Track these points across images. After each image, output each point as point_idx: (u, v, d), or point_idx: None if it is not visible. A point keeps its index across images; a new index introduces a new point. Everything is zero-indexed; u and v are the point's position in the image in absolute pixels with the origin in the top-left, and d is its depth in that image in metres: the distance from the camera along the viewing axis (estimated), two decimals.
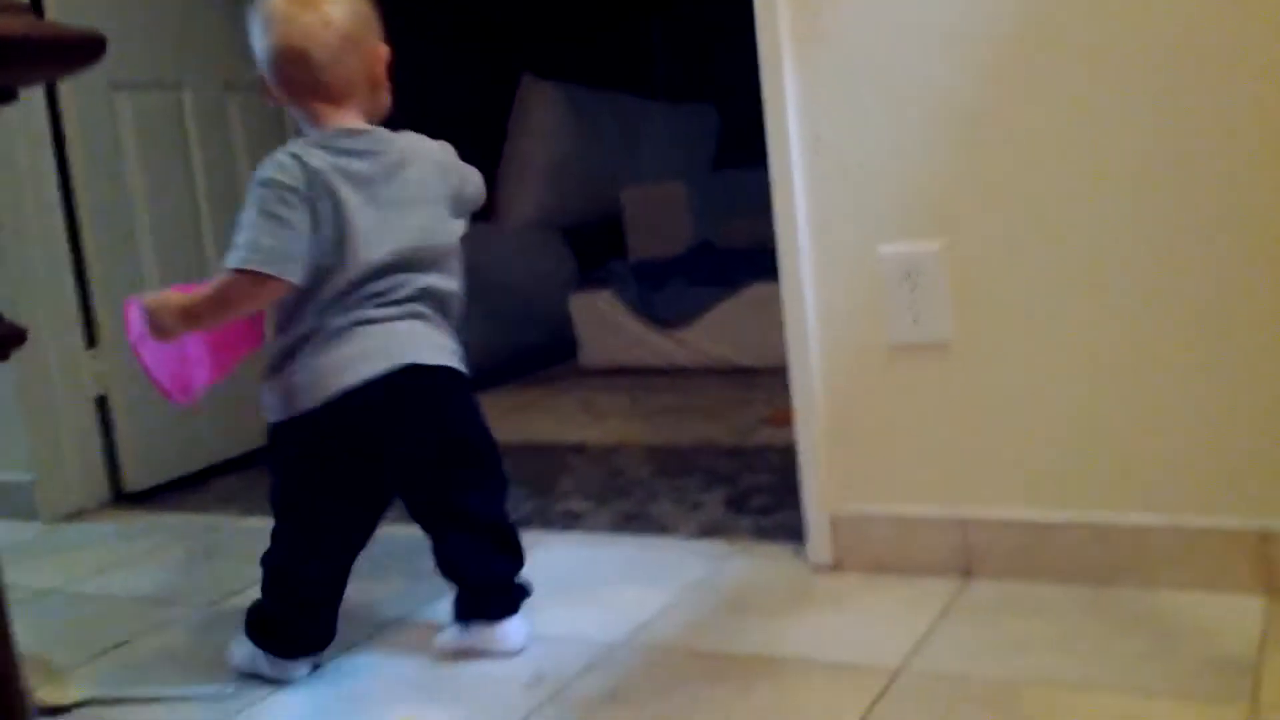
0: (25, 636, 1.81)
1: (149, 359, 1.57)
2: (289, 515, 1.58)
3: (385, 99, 1.64)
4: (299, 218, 1.47)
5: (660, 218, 4.06)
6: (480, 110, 4.20)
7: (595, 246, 4.16)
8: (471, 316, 3.56)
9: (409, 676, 1.58)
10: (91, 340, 2.62)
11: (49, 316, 2.55)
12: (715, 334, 3.43)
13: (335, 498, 1.55)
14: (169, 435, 2.71)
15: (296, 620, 1.59)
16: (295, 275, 1.47)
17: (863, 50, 1.65)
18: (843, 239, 1.71)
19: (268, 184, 1.48)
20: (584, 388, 3.45)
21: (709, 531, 2.03)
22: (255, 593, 1.92)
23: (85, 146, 2.57)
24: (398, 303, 1.55)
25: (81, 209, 2.58)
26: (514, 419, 3.13)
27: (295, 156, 1.50)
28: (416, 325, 1.58)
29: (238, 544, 2.26)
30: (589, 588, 1.84)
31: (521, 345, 3.77)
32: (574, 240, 4.21)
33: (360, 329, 1.52)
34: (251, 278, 1.46)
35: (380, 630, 1.74)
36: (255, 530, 2.29)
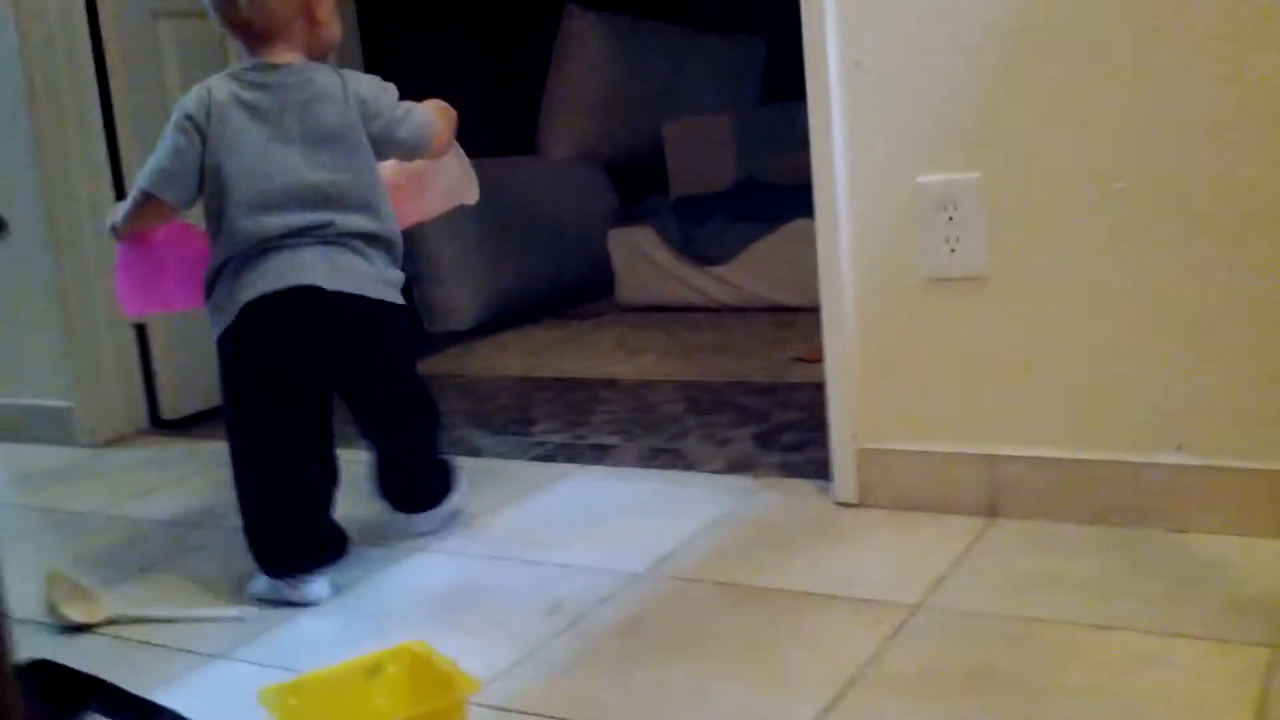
0: (60, 556, 1.85)
1: (122, 260, 1.69)
2: (234, 431, 1.66)
3: (327, 35, 1.66)
4: (187, 144, 1.58)
5: (703, 152, 4.01)
6: (524, 40, 4.16)
7: (638, 180, 4.12)
8: (510, 250, 3.59)
9: (429, 601, 1.59)
10: None
11: (92, 243, 2.56)
12: (755, 271, 3.39)
13: (260, 407, 1.62)
14: (205, 364, 2.71)
15: (284, 533, 1.62)
16: (177, 198, 1.60)
17: None
18: (880, 168, 1.67)
19: (178, 110, 1.61)
20: (620, 324, 3.44)
21: (736, 467, 2.02)
22: None
23: (127, 74, 2.57)
24: (322, 240, 1.58)
25: (123, 135, 2.58)
26: (548, 353, 3.13)
27: (206, 87, 1.60)
28: (331, 251, 1.58)
29: None
30: (613, 520, 1.83)
31: (560, 280, 3.76)
32: (616, 174, 4.18)
33: (269, 254, 1.57)
34: (145, 197, 1.61)
35: (407, 554, 1.75)
36: None
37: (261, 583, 1.63)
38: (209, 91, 1.59)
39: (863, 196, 1.69)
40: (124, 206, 1.65)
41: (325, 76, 1.62)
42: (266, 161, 1.57)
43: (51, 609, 1.58)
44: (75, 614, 1.58)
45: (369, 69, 3.21)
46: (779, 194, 3.53)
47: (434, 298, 3.51)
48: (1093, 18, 1.51)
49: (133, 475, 2.36)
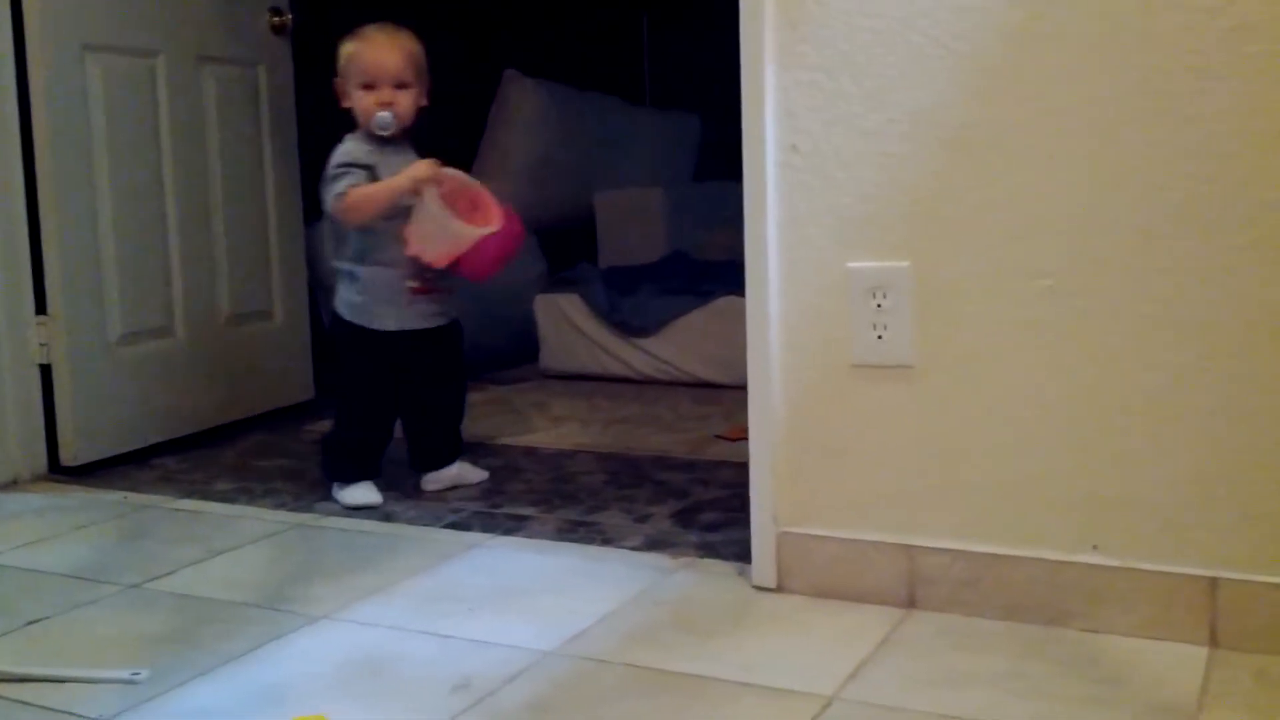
0: None
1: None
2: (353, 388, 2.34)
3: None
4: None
5: (634, 224, 4.02)
6: (460, 102, 4.15)
7: (568, 249, 4.11)
8: None
9: (330, 671, 1.52)
10: (40, 307, 2.54)
11: (1, 280, 2.48)
12: (681, 345, 3.39)
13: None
14: (111, 411, 2.64)
15: (367, 449, 2.31)
16: None
17: (845, 62, 1.62)
18: (812, 251, 1.67)
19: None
20: (542, 391, 3.40)
21: (654, 544, 1.99)
22: (184, 576, 1.88)
23: (51, 106, 2.50)
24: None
25: (41, 170, 2.50)
26: (468, 417, 3.08)
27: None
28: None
29: (171, 526, 2.20)
30: (526, 594, 1.79)
31: (482, 343, 3.70)
32: (546, 241, 4.16)
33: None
34: None
35: (311, 621, 1.68)
36: (190, 514, 2.26)
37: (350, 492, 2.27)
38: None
39: (794, 278, 1.69)
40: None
41: None
42: None
43: None
44: None
45: (305, 120, 3.19)
46: (708, 269, 3.55)
47: None
48: (1024, 115, 1.53)
49: (26, 522, 2.26)
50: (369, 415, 2.31)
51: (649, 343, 3.43)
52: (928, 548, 1.64)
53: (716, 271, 3.40)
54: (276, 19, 3.04)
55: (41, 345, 2.54)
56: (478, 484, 2.39)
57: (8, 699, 1.46)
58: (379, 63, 2.23)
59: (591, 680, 1.47)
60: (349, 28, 3.71)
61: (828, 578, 1.70)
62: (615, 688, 1.45)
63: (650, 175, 4.31)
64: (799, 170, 1.67)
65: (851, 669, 1.47)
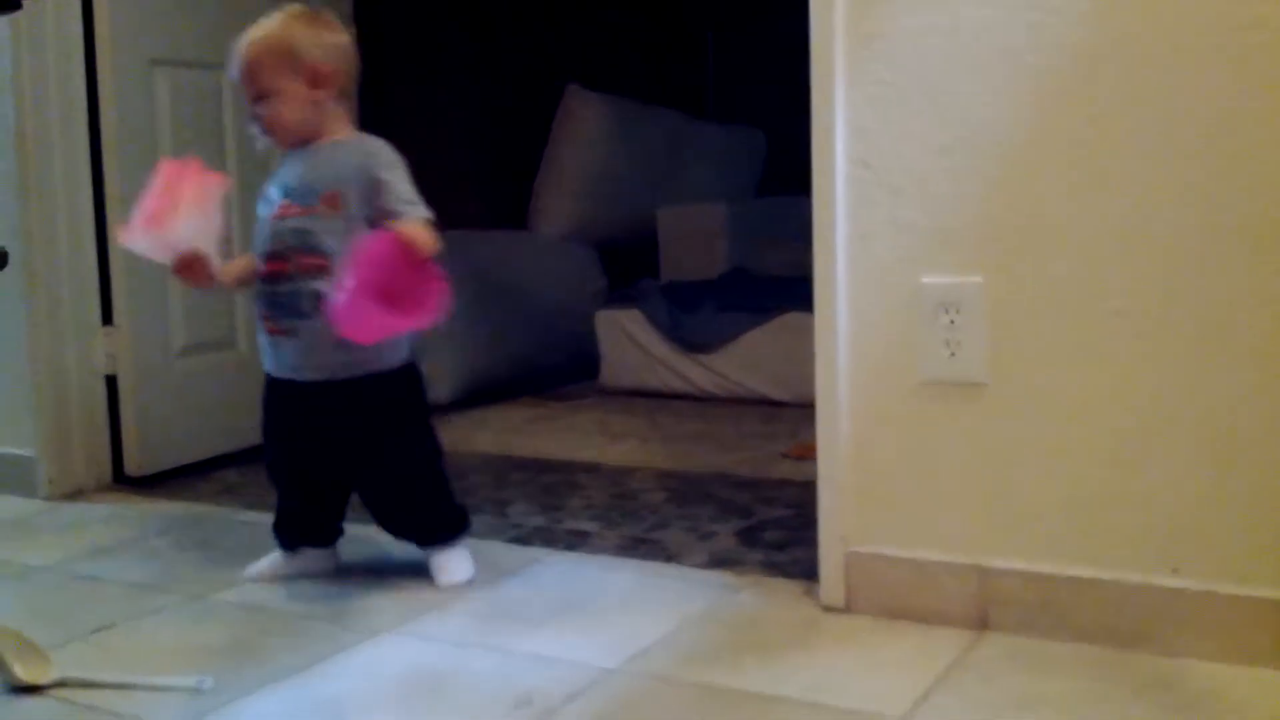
0: (11, 612, 1.77)
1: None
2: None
3: None
4: None
5: (696, 239, 4.00)
6: (523, 115, 4.17)
7: (629, 264, 4.11)
8: (493, 325, 3.55)
9: (391, 687, 1.51)
10: (106, 317, 2.57)
11: (70, 290, 2.52)
12: (744, 362, 3.36)
13: None
14: (174, 422, 2.67)
15: (280, 514, 1.94)
16: None
17: (917, 75, 1.59)
18: (882, 267, 1.64)
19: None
20: (603, 408, 3.39)
21: (718, 562, 1.96)
22: (246, 587, 1.88)
23: (119, 120, 2.54)
24: None
25: (110, 183, 2.54)
26: (527, 433, 3.08)
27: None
28: None
29: (232, 537, 2.21)
30: (588, 610, 1.77)
31: (543, 359, 3.72)
32: (607, 256, 4.16)
33: None
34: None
35: (371, 636, 1.68)
36: (251, 524, 2.26)
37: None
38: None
39: (863, 294, 1.66)
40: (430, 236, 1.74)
41: None
42: None
43: None
44: (22, 673, 1.50)
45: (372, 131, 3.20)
46: (771, 285, 3.52)
47: None
48: (1093, 134, 1.50)
49: (91, 531, 2.28)
50: (273, 476, 1.95)
51: (711, 359, 3.40)
52: (1000, 569, 1.60)
53: (780, 288, 3.37)
54: None
55: (107, 356, 2.57)
56: (449, 585, 1.88)
57: (76, 704, 1.47)
58: (233, 77, 1.88)
59: (655, 699, 1.45)
60: (408, 41, 3.76)
61: (897, 598, 1.66)
62: (679, 706, 1.43)
63: (713, 190, 4.30)
64: (869, 185, 1.64)
65: (921, 692, 1.43)
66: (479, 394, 3.48)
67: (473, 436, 3.04)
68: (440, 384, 3.43)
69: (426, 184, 3.93)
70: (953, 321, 1.59)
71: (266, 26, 1.85)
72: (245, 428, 2.81)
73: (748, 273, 3.77)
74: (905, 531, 1.67)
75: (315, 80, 1.81)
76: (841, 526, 1.70)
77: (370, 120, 3.18)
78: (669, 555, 2.01)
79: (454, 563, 1.89)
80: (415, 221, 1.75)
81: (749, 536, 2.09)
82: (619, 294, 3.76)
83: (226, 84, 2.77)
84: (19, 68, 2.43)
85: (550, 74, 4.18)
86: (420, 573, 1.93)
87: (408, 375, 1.90)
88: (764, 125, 4.71)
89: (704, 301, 3.51)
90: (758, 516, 2.22)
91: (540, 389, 3.61)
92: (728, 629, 1.68)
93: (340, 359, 1.79)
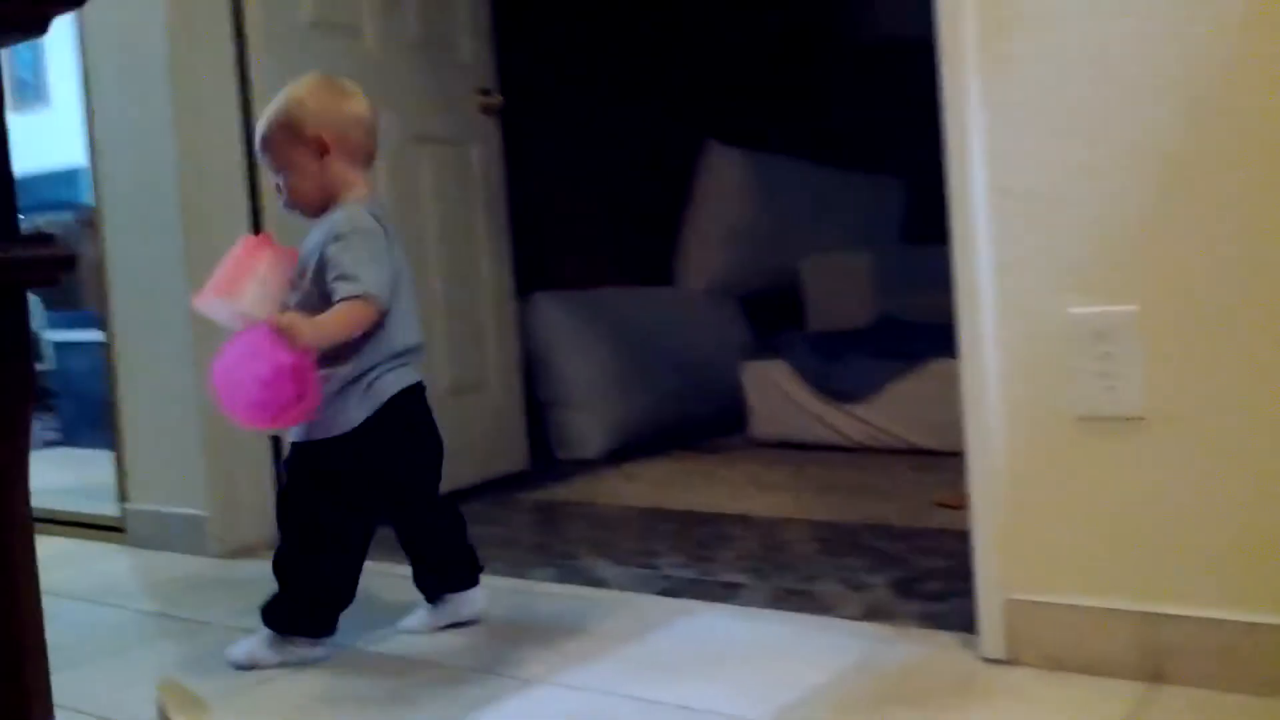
0: (178, 664, 1.83)
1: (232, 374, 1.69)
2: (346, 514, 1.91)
3: None
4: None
5: (842, 289, 3.96)
6: (663, 172, 4.21)
7: (773, 316, 4.09)
8: (642, 380, 3.57)
9: None
10: None
11: None
12: (894, 411, 3.29)
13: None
14: None
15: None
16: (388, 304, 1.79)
17: (1058, 93, 1.54)
18: (1029, 299, 1.59)
19: (373, 225, 1.79)
20: (752, 459, 3.35)
21: (872, 614, 1.91)
22: (401, 638, 1.90)
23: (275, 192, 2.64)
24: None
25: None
26: (676, 485, 3.07)
27: (371, 213, 1.81)
28: None
29: (389, 591, 2.24)
30: (737, 661, 1.74)
31: (691, 412, 3.71)
32: (751, 308, 4.15)
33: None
34: (367, 303, 1.74)
35: (523, 686, 1.67)
36: (408, 579, 2.29)
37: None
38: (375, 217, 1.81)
39: (1010, 329, 1.61)
40: (334, 321, 1.72)
41: None
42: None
43: (161, 715, 1.55)
44: None
45: (513, 197, 3.27)
46: (919, 332, 3.45)
47: (564, 424, 3.49)
48: (1243, 148, 1.42)
49: (257, 587, 2.33)
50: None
51: (861, 409, 3.34)
52: (1172, 615, 1.51)
53: (928, 334, 3.29)
54: (485, 99, 3.15)
55: None
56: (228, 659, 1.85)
57: None
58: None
59: None
60: (548, 102, 3.84)
61: (1061, 648, 1.59)
62: None
63: (855, 239, 4.25)
64: (1011, 213, 1.59)
65: None
66: (629, 448, 3.49)
67: (622, 489, 3.05)
68: (590, 438, 3.47)
69: (567, 242, 4.02)
70: (1107, 353, 1.52)
71: (276, 100, 1.87)
72: None
73: (895, 320, 3.71)
74: (1067, 577, 1.59)
75: (320, 149, 1.82)
76: (999, 573, 1.64)
77: (511, 181, 3.27)
78: (822, 607, 1.96)
79: (249, 644, 1.86)
80: (342, 300, 1.72)
81: (904, 587, 2.03)
82: (764, 345, 3.74)
83: (380, 149, 2.87)
84: (179, 133, 2.56)
85: (688, 129, 4.21)
86: (570, 624, 1.93)
87: (341, 447, 1.81)
88: (904, 172, 4.66)
89: (851, 350, 3.45)
90: (913, 567, 2.15)
91: (689, 442, 3.60)
92: (883, 681, 1.62)
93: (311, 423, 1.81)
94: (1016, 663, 1.62)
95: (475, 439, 3.11)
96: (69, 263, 0.54)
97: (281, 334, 1.66)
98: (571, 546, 2.49)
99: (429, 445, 1.93)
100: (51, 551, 2.79)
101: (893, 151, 4.64)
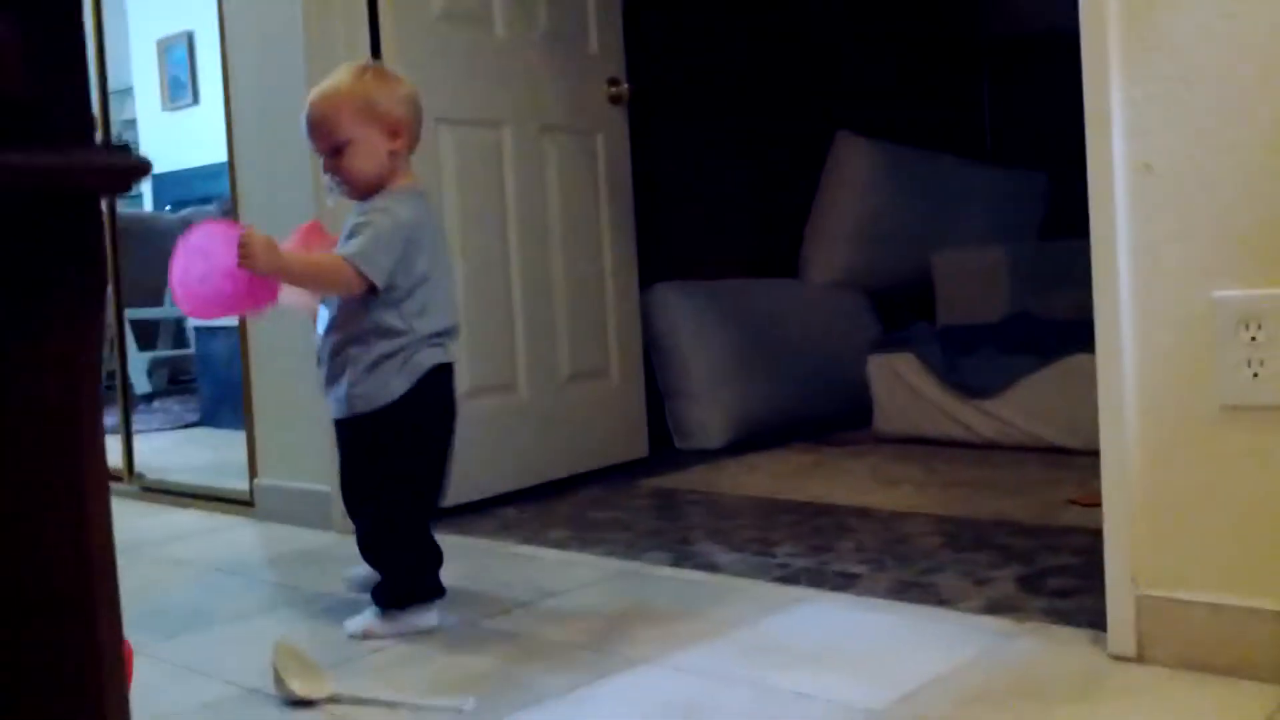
0: (300, 631, 1.86)
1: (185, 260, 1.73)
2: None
3: None
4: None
5: (975, 284, 3.85)
6: (792, 163, 4.16)
7: (903, 311, 4.00)
8: (765, 372, 3.53)
9: (645, 715, 1.49)
10: None
11: None
12: (1026, 407, 3.19)
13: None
14: (458, 462, 2.75)
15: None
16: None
17: (1204, 69, 1.47)
18: (1170, 282, 1.51)
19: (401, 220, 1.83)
20: (876, 454, 3.28)
21: (996, 608, 1.84)
22: (515, 616, 1.91)
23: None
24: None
25: None
26: (798, 477, 3.02)
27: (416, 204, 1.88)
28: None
29: (506, 569, 2.26)
30: (853, 650, 1.69)
31: (815, 405, 3.66)
32: (881, 304, 4.08)
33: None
34: (353, 271, 1.81)
35: (630, 665, 1.66)
36: (525, 558, 2.31)
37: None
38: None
39: (1149, 312, 1.53)
40: (304, 261, 1.81)
41: None
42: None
43: (277, 680, 1.58)
44: (299, 688, 1.57)
45: (638, 187, 3.27)
46: (1054, 329, 3.33)
47: (685, 415, 3.47)
48: None
49: None
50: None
51: (991, 404, 3.25)
52: None
53: (1064, 330, 3.18)
54: (614, 89, 3.15)
55: None
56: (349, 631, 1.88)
57: (345, 719, 1.52)
58: (305, 130, 1.90)
59: None
60: (682, 97, 3.83)
61: (1196, 648, 1.50)
62: None
63: (992, 234, 4.14)
64: (1153, 192, 1.52)
65: None
66: (750, 440, 3.45)
67: (741, 479, 3.01)
68: (710, 429, 3.44)
69: (692, 234, 3.99)
70: (1254, 339, 1.44)
71: (340, 79, 1.87)
72: (522, 469, 2.91)
73: (1031, 316, 3.59)
74: (1205, 573, 1.51)
75: (394, 131, 1.84)
76: (1131, 567, 1.56)
77: (636, 172, 3.26)
78: (942, 600, 1.91)
79: (364, 618, 1.88)
80: (335, 255, 1.79)
81: (1030, 583, 1.96)
82: (891, 337, 3.66)
83: (507, 139, 2.90)
84: (310, 40, 2.60)
85: (820, 122, 4.16)
86: (682, 607, 1.91)
87: (386, 419, 1.85)
88: (1047, 166, 4.51)
89: (982, 344, 3.36)
90: (1041, 563, 2.08)
91: (813, 436, 3.54)
92: (1003, 675, 1.56)
93: (341, 396, 1.88)
94: (1147, 661, 1.54)
95: (595, 426, 3.11)
96: (141, 171, 0.54)
97: (241, 245, 1.70)
98: (687, 533, 2.47)
99: (453, 420, 1.99)
100: (186, 524, 2.89)
101: (1037, 146, 4.50)
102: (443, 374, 1.91)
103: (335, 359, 1.88)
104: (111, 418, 3.63)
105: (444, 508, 2.70)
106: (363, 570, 2.02)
